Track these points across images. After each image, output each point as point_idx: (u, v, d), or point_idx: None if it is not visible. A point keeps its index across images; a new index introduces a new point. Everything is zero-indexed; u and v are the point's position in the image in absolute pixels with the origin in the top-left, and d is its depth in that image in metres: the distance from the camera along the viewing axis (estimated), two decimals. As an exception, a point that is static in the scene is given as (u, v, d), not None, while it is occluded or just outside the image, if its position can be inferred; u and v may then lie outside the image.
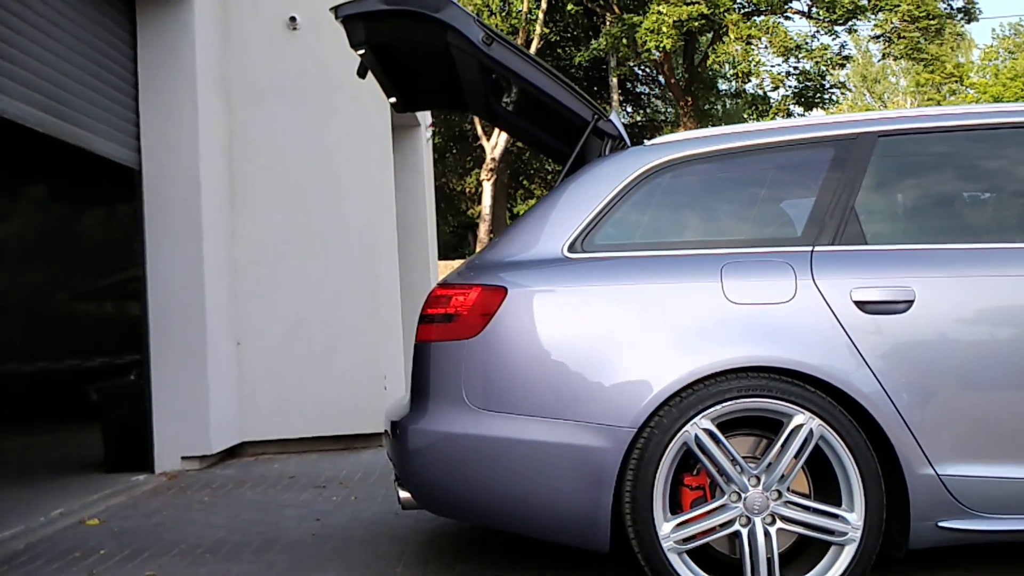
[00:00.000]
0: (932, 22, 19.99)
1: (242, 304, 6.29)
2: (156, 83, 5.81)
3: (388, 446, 3.23)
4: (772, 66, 22.30)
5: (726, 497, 2.65)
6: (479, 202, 23.11)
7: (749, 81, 22.51)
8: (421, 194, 9.28)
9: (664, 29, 18.57)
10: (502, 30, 19.54)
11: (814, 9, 20.95)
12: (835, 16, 20.40)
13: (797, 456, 2.63)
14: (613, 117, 3.26)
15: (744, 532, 2.63)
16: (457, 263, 16.19)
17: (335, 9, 3.23)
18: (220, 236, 6.08)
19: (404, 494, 3.00)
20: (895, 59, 22.63)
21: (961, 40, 31.97)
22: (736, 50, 20.40)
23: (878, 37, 21.58)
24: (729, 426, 2.69)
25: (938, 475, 2.62)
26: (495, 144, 21.09)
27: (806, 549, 2.71)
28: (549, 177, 25.09)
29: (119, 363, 7.97)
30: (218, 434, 5.84)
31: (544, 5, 21.02)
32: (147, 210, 5.77)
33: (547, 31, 22.23)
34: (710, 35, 21.18)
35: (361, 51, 3.41)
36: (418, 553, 3.52)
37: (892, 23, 20.32)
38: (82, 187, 8.56)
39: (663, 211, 3.00)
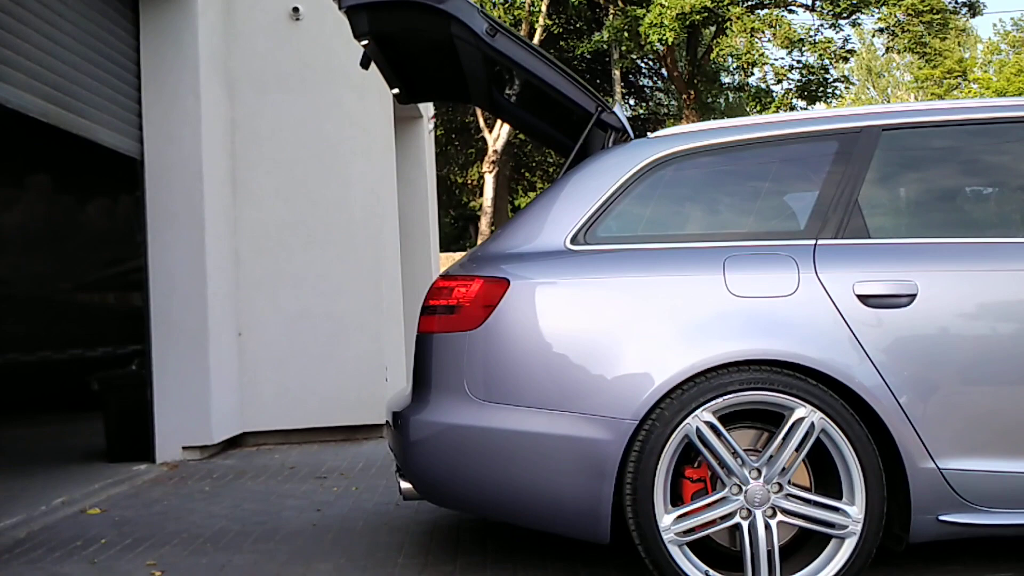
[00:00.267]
0: (936, 16, 19.94)
1: (244, 295, 6.30)
2: (159, 73, 5.80)
3: (390, 437, 3.23)
4: (776, 59, 22.23)
5: (727, 490, 2.65)
6: (481, 194, 23.09)
7: (752, 74, 22.47)
8: (423, 186, 9.28)
9: (667, 22, 18.53)
10: (505, 21, 19.49)
11: (818, 3, 20.90)
12: (839, 9, 20.36)
13: (798, 449, 2.63)
14: (617, 109, 3.26)
15: (745, 525, 2.63)
16: (458, 255, 16.18)
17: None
18: (222, 226, 6.08)
19: (405, 485, 3.00)
20: (898, 53, 22.56)
21: (966, 35, 31.90)
22: (739, 43, 20.34)
23: (882, 31, 21.53)
24: (731, 419, 2.69)
25: (939, 469, 2.62)
26: (497, 136, 21.07)
27: (807, 542, 2.72)
28: (551, 170, 25.07)
29: (121, 353, 7.99)
30: (219, 424, 5.85)
31: (547, -3, 20.99)
32: (149, 200, 5.77)
33: (550, 23, 22.18)
34: (713, 28, 21.13)
35: (364, 42, 3.40)
36: (419, 544, 3.53)
37: (896, 17, 20.26)
38: (85, 177, 8.57)
39: (666, 204, 3.00)
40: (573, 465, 2.67)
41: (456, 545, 3.49)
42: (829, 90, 21.71)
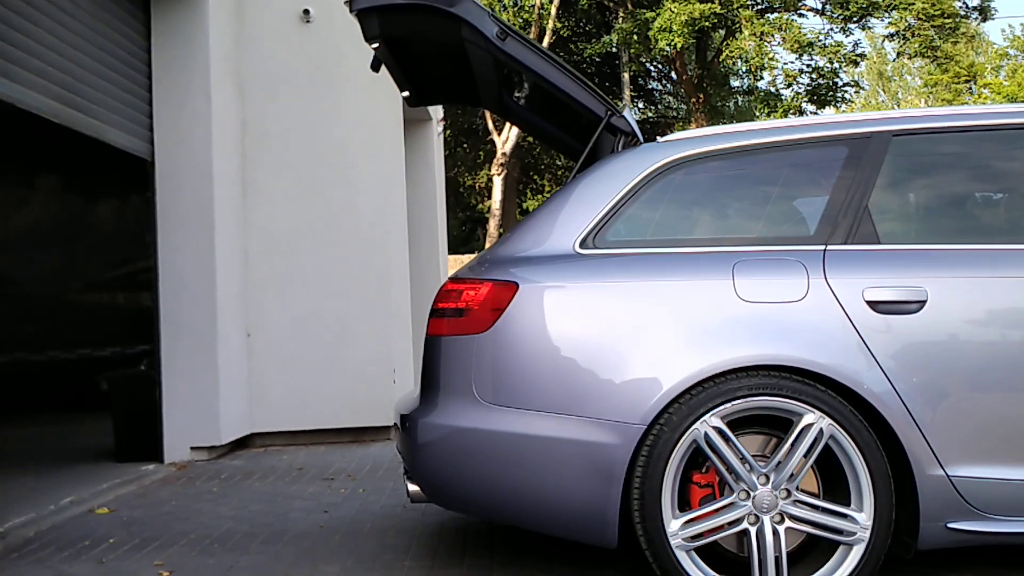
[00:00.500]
0: (947, 20, 19.87)
1: (253, 296, 6.32)
2: (170, 74, 5.83)
3: (398, 439, 3.23)
4: (785, 63, 22.21)
5: (735, 495, 2.65)
6: (489, 197, 23.09)
7: (762, 77, 22.43)
8: (432, 188, 9.29)
9: (676, 27, 18.52)
10: (514, 24, 19.51)
11: (827, 7, 20.86)
12: (848, 13, 20.31)
13: (807, 455, 2.62)
14: (626, 113, 3.26)
15: (752, 530, 2.63)
16: (467, 258, 16.19)
17: (350, 2, 3.23)
18: (232, 227, 6.10)
19: (413, 487, 3.00)
20: (909, 57, 22.50)
21: (977, 40, 31.79)
22: (749, 46, 20.32)
23: (893, 35, 21.48)
24: (739, 424, 2.69)
25: (948, 476, 2.61)
26: (506, 139, 21.07)
27: (814, 548, 2.71)
28: (560, 173, 25.07)
29: (130, 353, 8.01)
30: (227, 425, 5.86)
31: (556, 0, 20.98)
32: (159, 201, 5.80)
33: (559, 25, 22.19)
34: (723, 31, 21.11)
35: (375, 44, 3.41)
36: (426, 546, 3.53)
37: (907, 21, 20.21)
38: (95, 178, 8.61)
39: (675, 208, 3.00)
40: (581, 469, 2.67)
41: (463, 548, 3.49)
42: (839, 94, 21.65)
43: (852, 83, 22.64)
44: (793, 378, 2.63)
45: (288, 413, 6.31)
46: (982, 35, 33.78)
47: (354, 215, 6.40)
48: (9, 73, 4.32)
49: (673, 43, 18.85)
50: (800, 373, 2.64)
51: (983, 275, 2.72)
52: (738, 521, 2.64)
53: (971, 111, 3.02)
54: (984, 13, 21.28)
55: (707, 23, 18.83)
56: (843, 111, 22.11)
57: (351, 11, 3.24)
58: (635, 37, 20.25)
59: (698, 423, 2.62)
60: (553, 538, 3.19)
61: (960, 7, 20.71)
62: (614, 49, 21.89)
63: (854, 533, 2.60)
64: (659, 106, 27.49)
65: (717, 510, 2.65)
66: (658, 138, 3.12)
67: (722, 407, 2.62)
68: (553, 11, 21.09)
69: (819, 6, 21.21)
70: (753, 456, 2.66)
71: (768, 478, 2.65)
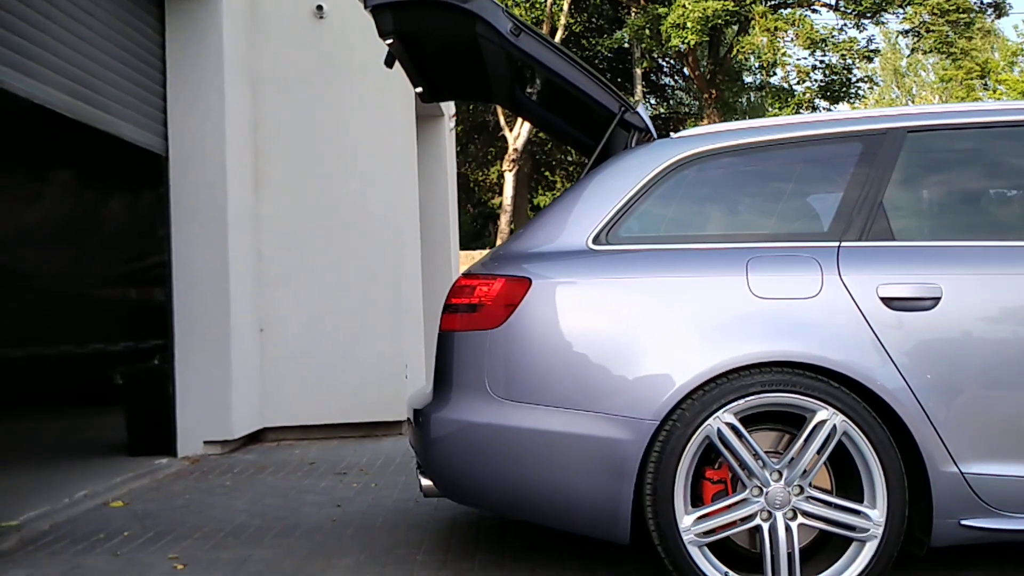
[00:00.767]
0: (962, 16, 19.75)
1: (266, 291, 6.34)
2: (183, 70, 5.85)
3: (411, 434, 3.24)
4: (798, 59, 22.12)
5: (747, 491, 2.65)
6: (500, 193, 23.09)
7: (775, 73, 22.36)
8: (443, 184, 9.30)
9: (689, 24, 18.47)
10: (526, 20, 19.44)
11: (841, 2, 20.76)
12: (862, 8, 20.21)
13: (820, 452, 2.62)
14: (640, 109, 3.25)
15: (765, 527, 2.63)
16: (478, 253, 16.20)
17: (364, -2, 3.24)
18: (245, 223, 6.12)
19: (426, 482, 3.01)
20: (924, 53, 22.38)
21: (994, 36, 31.55)
22: (762, 42, 20.25)
23: (907, 31, 21.36)
24: (752, 420, 2.69)
25: (962, 473, 2.60)
26: (517, 135, 21.06)
27: (827, 545, 2.71)
28: (571, 168, 25.05)
29: (143, 348, 8.06)
30: (240, 419, 5.89)
31: (569, -5, 20.95)
32: (173, 196, 5.82)
33: (571, 21, 22.15)
34: (736, 27, 21.04)
35: (389, 40, 3.41)
36: (438, 541, 3.54)
37: (921, 16, 20.09)
38: (109, 173, 8.65)
39: (689, 204, 2.99)
40: (593, 465, 2.68)
41: (475, 543, 3.50)
42: (852, 90, 21.55)
43: (866, 79, 22.52)
44: (806, 374, 2.62)
45: (300, 408, 6.34)
46: (996, 31, 33.53)
47: (366, 211, 6.41)
48: (25, 69, 4.34)
49: (687, 40, 18.79)
50: (813, 369, 2.63)
51: (998, 272, 2.71)
52: (751, 517, 2.64)
53: (986, 107, 3.00)
54: (999, 9, 21.14)
55: (720, 19, 18.77)
56: (856, 107, 22.01)
57: (365, 7, 3.25)
58: (647, 32, 20.20)
59: (711, 419, 2.62)
60: (565, 533, 3.20)
61: (975, 3, 20.57)
62: (626, 45, 21.84)
63: (867, 530, 2.59)
64: (671, 102, 27.43)
65: (730, 506, 2.65)
66: (671, 134, 3.11)
67: (735, 403, 2.62)
68: (565, 7, 21.06)
69: (833, 1, 21.11)
70: (766, 452, 2.66)
71: (781, 474, 2.64)
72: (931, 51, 21.38)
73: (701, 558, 2.62)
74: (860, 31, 21.30)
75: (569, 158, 24.99)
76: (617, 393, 2.68)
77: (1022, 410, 2.65)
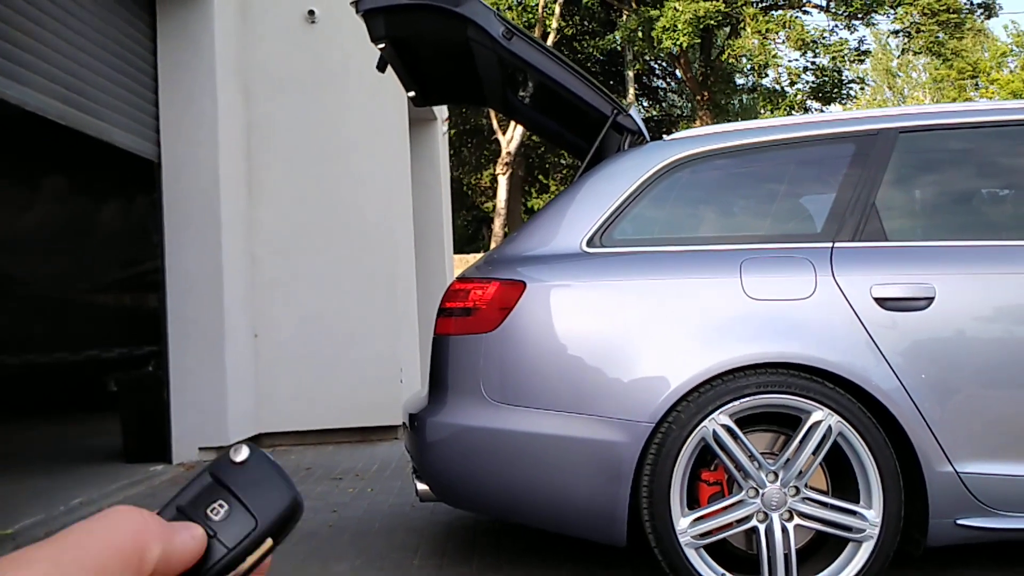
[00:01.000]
0: (952, 16, 19.82)
1: (260, 296, 6.33)
2: (176, 75, 5.84)
3: (406, 438, 3.24)
4: (789, 60, 22.18)
5: (744, 493, 2.65)
6: (494, 196, 23.10)
7: (766, 75, 22.41)
8: (437, 188, 9.30)
9: (680, 26, 18.51)
10: (518, 24, 19.46)
11: (831, 3, 20.82)
12: (853, 9, 20.27)
13: (815, 452, 2.62)
14: (632, 112, 3.26)
15: (761, 528, 2.63)
16: (472, 257, 16.20)
17: (356, 3, 3.24)
18: (238, 228, 6.11)
19: (422, 486, 3.01)
20: (914, 54, 22.45)
21: (983, 36, 31.65)
22: (753, 44, 20.29)
23: (897, 32, 21.44)
24: (747, 422, 2.69)
25: (957, 472, 2.61)
26: (511, 138, 21.07)
27: (823, 546, 2.71)
28: (565, 172, 25.07)
29: (138, 354, 8.04)
30: (235, 425, 5.88)
31: (561, -2, 20.98)
32: (166, 202, 5.81)
33: (563, 24, 22.18)
34: (727, 29, 21.09)
35: (381, 45, 3.41)
36: (435, 545, 3.54)
37: (911, 17, 20.16)
38: (102, 179, 8.62)
39: (682, 206, 3.00)
40: (589, 467, 2.68)
41: (472, 547, 3.50)
42: (844, 91, 21.61)
43: (857, 80, 22.59)
44: (801, 375, 2.63)
45: (295, 413, 6.33)
46: (986, 31, 33.65)
47: (360, 215, 6.41)
48: (15, 75, 4.33)
49: (679, 42, 18.83)
50: (808, 370, 2.64)
51: (991, 271, 2.72)
52: (747, 519, 2.64)
53: (978, 107, 3.02)
54: (989, 10, 21.22)
55: (712, 21, 18.81)
56: (848, 108, 22.06)
57: (357, 12, 3.25)
58: (639, 35, 20.24)
59: (706, 421, 2.62)
60: (562, 536, 3.20)
61: (965, 3, 20.65)
62: (618, 47, 21.87)
63: (863, 530, 2.60)
64: (663, 104, 27.48)
65: (726, 508, 2.65)
66: (664, 136, 3.12)
67: (730, 405, 2.62)
68: (557, 10, 21.09)
69: (823, 2, 21.17)
70: (762, 454, 2.66)
71: (777, 475, 2.65)
72: (921, 52, 21.43)
73: (698, 560, 2.63)
74: (851, 32, 21.36)
75: (563, 161, 25.01)
76: (612, 396, 2.68)
77: (1017, 409, 2.66)
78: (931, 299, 2.66)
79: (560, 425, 2.70)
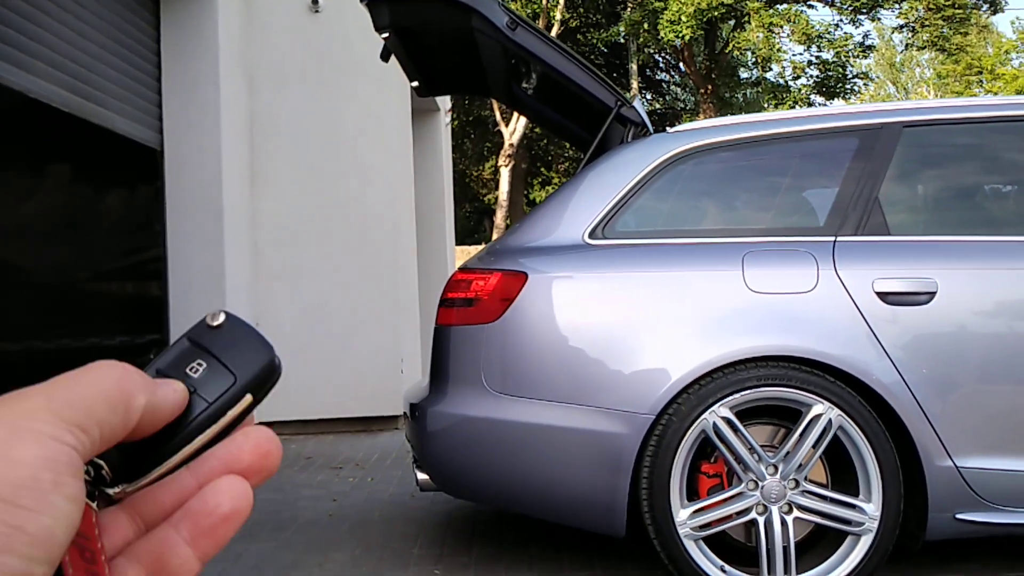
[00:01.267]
0: (958, 11, 19.77)
1: (261, 285, 6.33)
2: (179, 64, 5.83)
3: (407, 428, 3.25)
4: (794, 55, 22.13)
5: (743, 485, 2.65)
6: (496, 188, 23.09)
7: (771, 69, 22.37)
8: (439, 179, 9.29)
9: (684, 19, 18.46)
10: (522, 14, 19.41)
11: (837, -2, 20.79)
12: (858, 4, 20.22)
13: (815, 446, 2.62)
14: (636, 104, 3.26)
15: (761, 520, 2.64)
16: (473, 248, 16.19)
17: (360, -8, 3.23)
18: (241, 218, 6.11)
19: (422, 476, 3.02)
20: (919, 49, 22.40)
21: (989, 32, 31.56)
22: (758, 37, 20.25)
23: (902, 27, 21.38)
24: (748, 414, 2.69)
25: (957, 467, 2.61)
26: (513, 130, 21.04)
27: (822, 539, 2.72)
28: (568, 164, 25.04)
29: (139, 342, 8.04)
30: (236, 414, 5.88)
31: (566, -10, 20.93)
32: (168, 191, 5.81)
33: (567, 15, 22.13)
34: (731, 23, 21.04)
35: (385, 34, 3.41)
36: (435, 534, 3.54)
37: (916, 12, 20.11)
38: (104, 167, 8.62)
39: (685, 199, 3.00)
40: (589, 459, 2.68)
41: (472, 536, 3.50)
42: (848, 86, 21.57)
43: (861, 75, 22.54)
44: (802, 369, 2.63)
45: (297, 402, 6.33)
46: (992, 26, 33.55)
47: (362, 205, 6.40)
48: (19, 62, 4.33)
49: (682, 35, 18.79)
50: (809, 364, 2.64)
51: (993, 267, 2.72)
52: (746, 511, 2.65)
53: (982, 102, 3.01)
54: (994, 5, 21.16)
55: (716, 13, 18.77)
56: (852, 102, 22.01)
57: (362, 1, 3.24)
58: (644, 27, 20.20)
59: (707, 413, 2.62)
60: (562, 527, 3.21)
61: (970, -1, 20.61)
62: (622, 40, 21.83)
63: (862, 523, 2.60)
64: (667, 97, 27.44)
65: (725, 500, 2.66)
66: (668, 129, 3.12)
67: (731, 397, 2.62)
68: (561, 1, 21.04)
69: (829, -4, 21.13)
70: (762, 446, 2.67)
71: (777, 468, 2.65)
72: (926, 47, 21.39)
73: (697, 552, 2.63)
74: (856, 27, 21.31)
75: (566, 153, 24.98)
76: (613, 387, 2.68)
77: (1017, 404, 2.67)
78: (933, 294, 2.66)
79: (561, 416, 2.71)
